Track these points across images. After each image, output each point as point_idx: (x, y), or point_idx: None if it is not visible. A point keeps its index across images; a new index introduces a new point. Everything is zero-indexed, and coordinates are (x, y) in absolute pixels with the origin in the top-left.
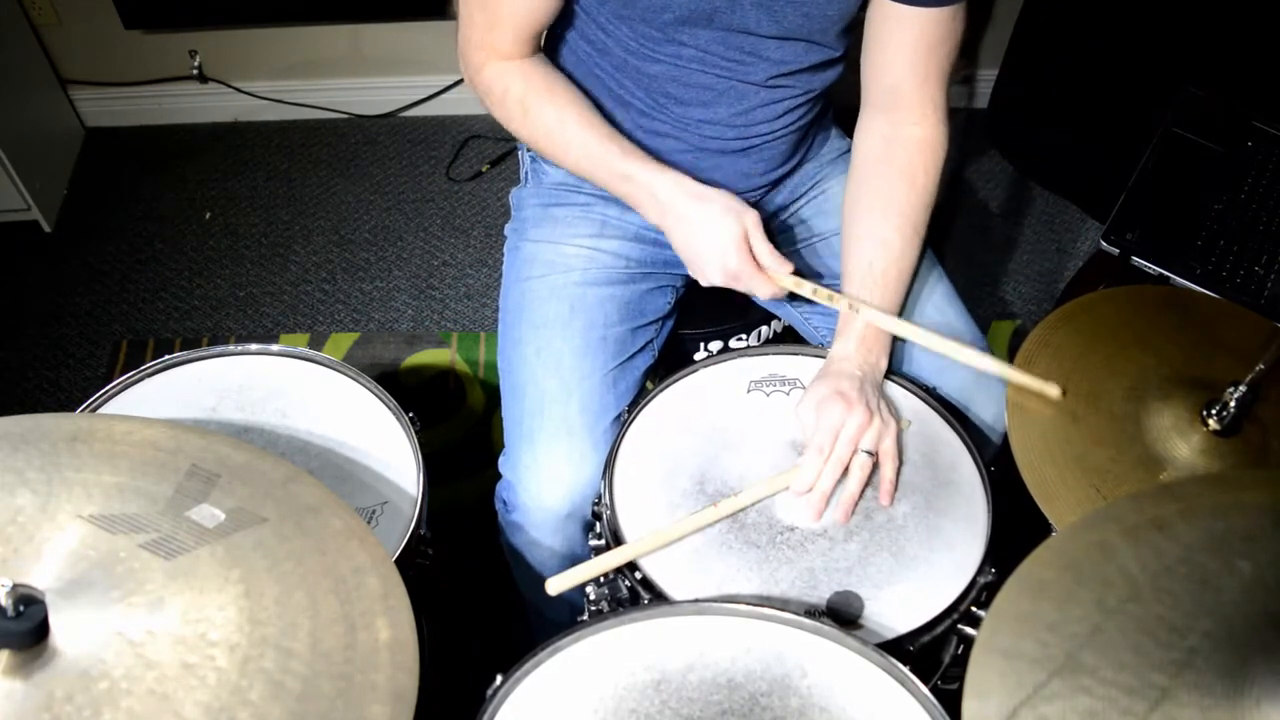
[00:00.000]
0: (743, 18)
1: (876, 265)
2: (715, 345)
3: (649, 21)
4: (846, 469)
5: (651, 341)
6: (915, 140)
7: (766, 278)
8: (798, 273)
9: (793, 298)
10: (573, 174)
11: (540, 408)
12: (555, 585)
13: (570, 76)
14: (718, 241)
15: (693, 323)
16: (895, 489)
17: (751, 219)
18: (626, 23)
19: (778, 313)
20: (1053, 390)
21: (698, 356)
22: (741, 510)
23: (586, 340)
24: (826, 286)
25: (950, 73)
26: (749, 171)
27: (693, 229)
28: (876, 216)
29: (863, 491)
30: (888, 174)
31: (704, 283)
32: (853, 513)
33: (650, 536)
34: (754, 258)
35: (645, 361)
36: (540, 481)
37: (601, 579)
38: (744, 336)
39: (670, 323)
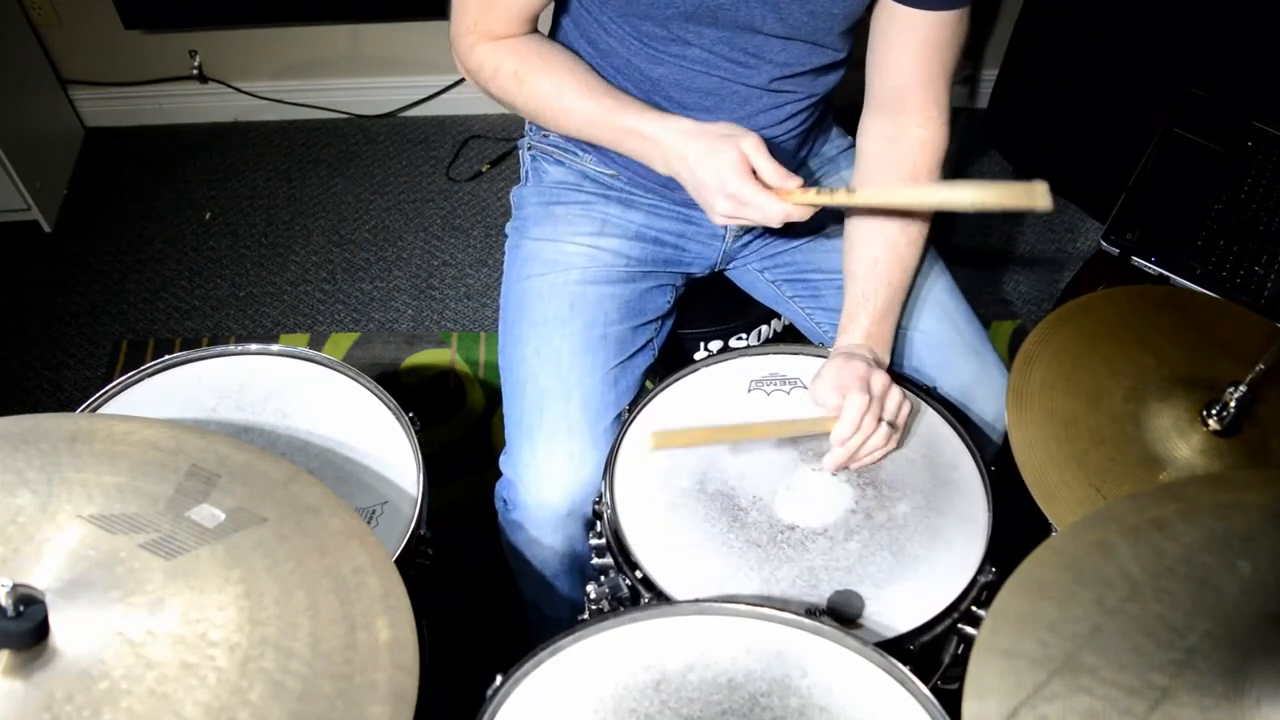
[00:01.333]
0: (748, 14)
1: (881, 262)
2: (715, 345)
3: (652, 18)
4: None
5: (652, 340)
6: (919, 141)
7: (774, 196)
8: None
9: (802, 231)
10: (576, 139)
11: (540, 406)
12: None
13: None
14: (717, 169)
15: (693, 322)
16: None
17: (750, 142)
18: (629, 21)
19: (781, 310)
20: (1040, 192)
21: (698, 356)
22: (786, 434)
23: (586, 339)
24: (826, 188)
25: (955, 74)
26: None
27: (694, 164)
28: (880, 215)
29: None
30: (891, 174)
31: (715, 220)
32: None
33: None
34: (760, 181)
35: (645, 360)
36: (540, 480)
37: (601, 578)
38: (744, 336)
39: (670, 321)
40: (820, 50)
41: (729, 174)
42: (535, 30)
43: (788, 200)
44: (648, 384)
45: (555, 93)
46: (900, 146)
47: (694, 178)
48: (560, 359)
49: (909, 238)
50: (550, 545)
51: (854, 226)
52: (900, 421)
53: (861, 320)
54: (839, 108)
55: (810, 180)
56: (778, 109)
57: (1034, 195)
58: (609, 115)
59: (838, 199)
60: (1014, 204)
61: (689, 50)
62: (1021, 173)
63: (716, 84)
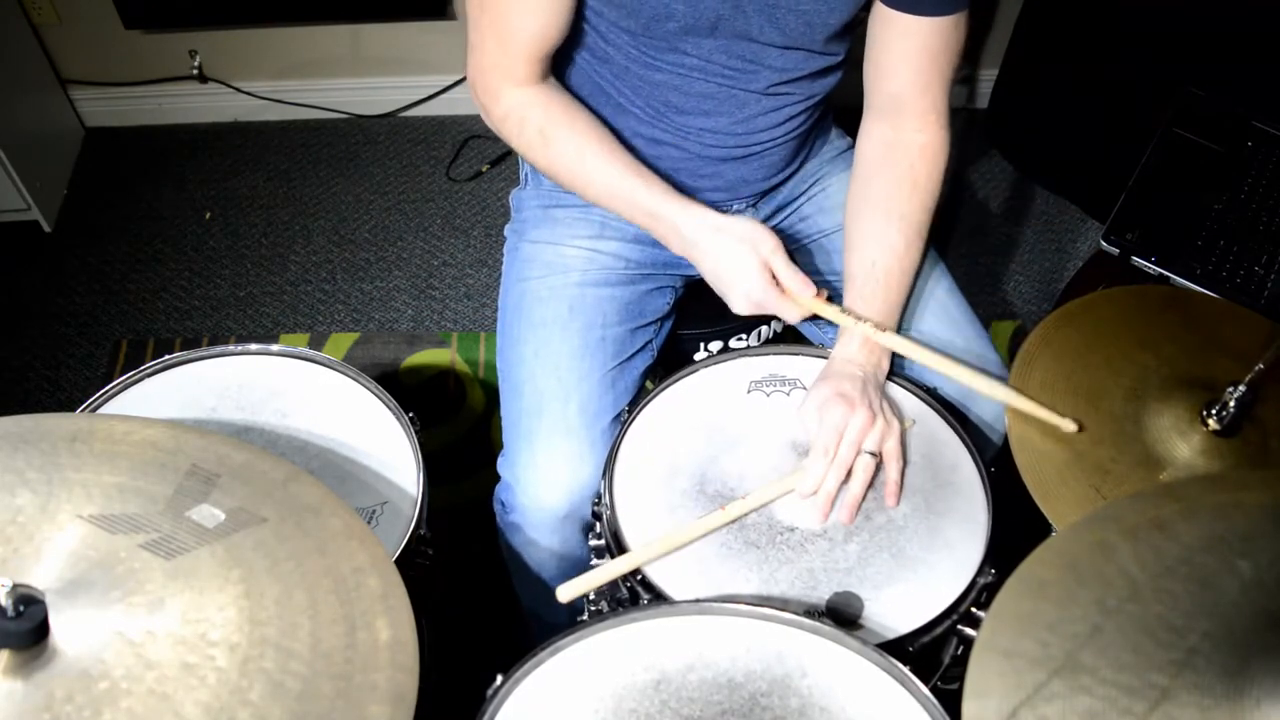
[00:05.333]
0: (745, 25)
1: (879, 266)
2: (715, 345)
3: (651, 32)
4: (850, 470)
5: (650, 342)
6: (918, 145)
7: (792, 301)
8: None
9: (818, 318)
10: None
11: (539, 408)
12: (565, 593)
13: (569, 84)
14: (740, 273)
15: (692, 323)
16: (901, 490)
17: (769, 246)
18: (629, 32)
19: None
20: (1068, 425)
21: (698, 357)
22: (749, 514)
23: (585, 341)
24: (849, 311)
25: (952, 79)
26: (749, 178)
27: (715, 262)
28: (879, 219)
29: (865, 492)
30: (890, 178)
31: (735, 311)
32: (857, 513)
33: (658, 542)
34: (779, 282)
35: (644, 362)
36: (538, 482)
37: None
38: (744, 337)
39: (669, 323)
40: (818, 56)
41: (754, 280)
42: (551, 73)
43: (807, 306)
44: (648, 385)
45: (578, 159)
46: (900, 152)
47: (715, 273)
48: (559, 361)
49: (908, 240)
50: (548, 548)
51: (854, 230)
52: (888, 449)
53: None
54: (840, 109)
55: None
56: (776, 112)
57: (1063, 425)
58: (633, 193)
59: (862, 329)
60: (1039, 416)
61: (687, 59)
62: (1022, 172)
63: (714, 89)
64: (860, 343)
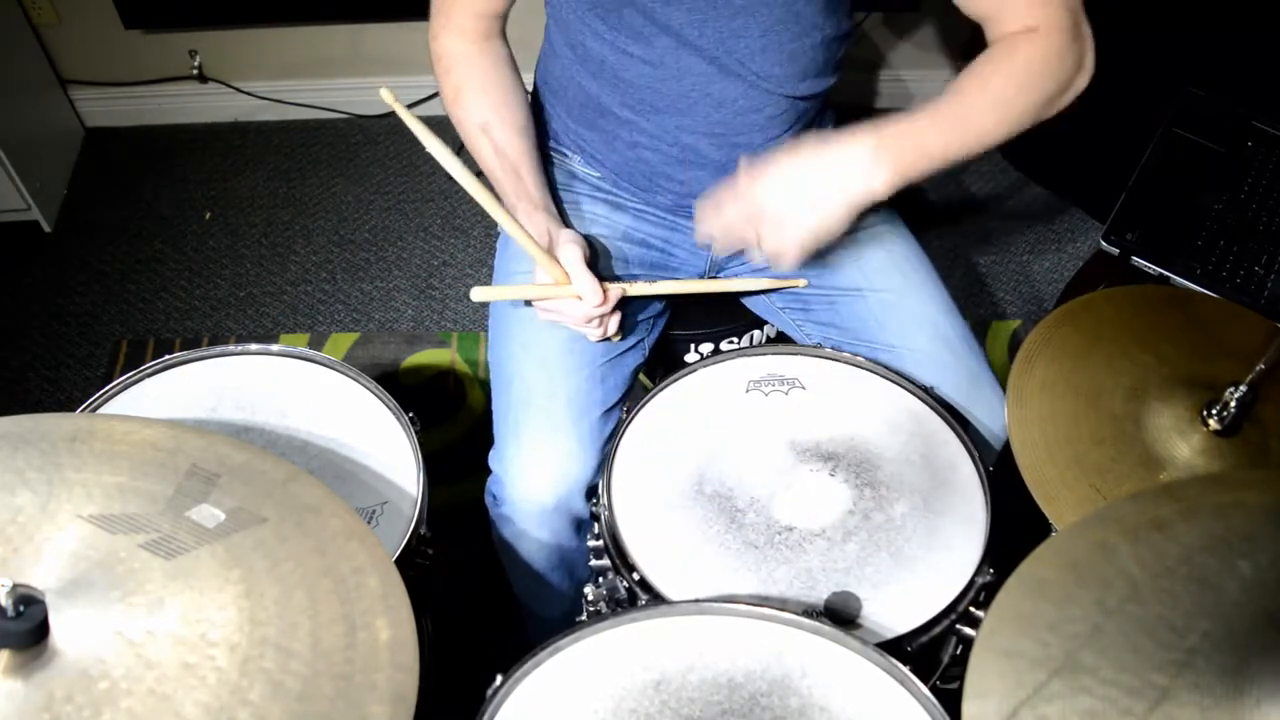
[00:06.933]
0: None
1: (953, 90)
2: (706, 347)
3: (603, 5)
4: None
5: (643, 340)
6: (1025, 36)
7: (575, 298)
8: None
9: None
10: (562, 139)
11: (526, 401)
12: (479, 293)
13: (557, 85)
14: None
15: (684, 324)
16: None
17: (562, 253)
18: (598, 14)
19: (771, 320)
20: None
21: (688, 358)
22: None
23: (573, 335)
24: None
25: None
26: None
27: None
28: (989, 73)
29: None
30: (985, 54)
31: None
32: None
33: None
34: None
35: (635, 359)
36: (525, 474)
37: (599, 580)
38: (735, 340)
39: (662, 321)
40: (795, 36)
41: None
42: (502, 36)
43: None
44: (647, 385)
45: (476, 131)
46: (1005, 40)
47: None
48: (546, 356)
49: (973, 93)
50: (537, 539)
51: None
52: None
53: (890, 124)
54: (838, 106)
55: None
56: (755, 114)
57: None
58: (513, 187)
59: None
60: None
61: (655, 45)
62: (1022, 172)
63: (688, 86)
64: (874, 145)
